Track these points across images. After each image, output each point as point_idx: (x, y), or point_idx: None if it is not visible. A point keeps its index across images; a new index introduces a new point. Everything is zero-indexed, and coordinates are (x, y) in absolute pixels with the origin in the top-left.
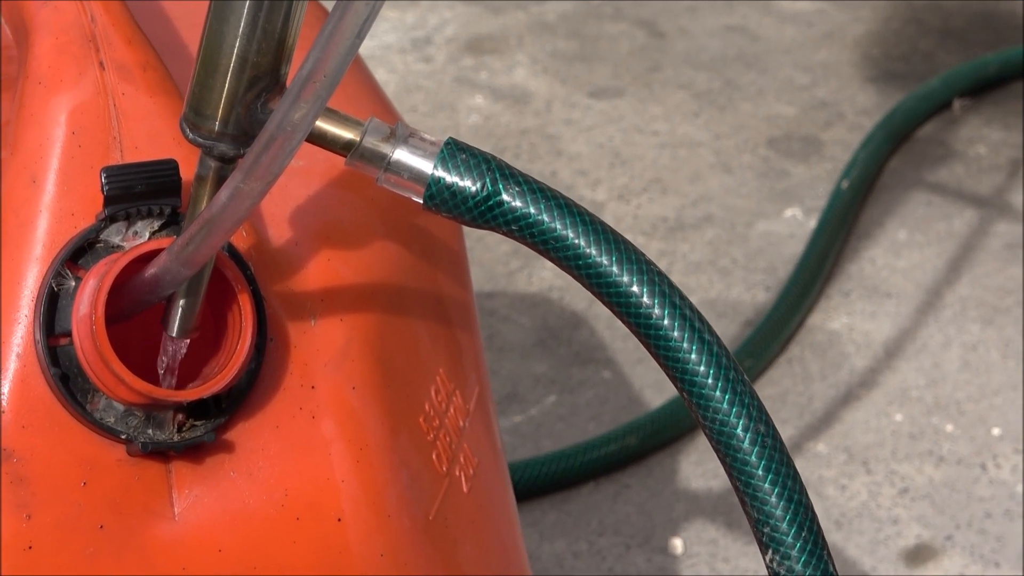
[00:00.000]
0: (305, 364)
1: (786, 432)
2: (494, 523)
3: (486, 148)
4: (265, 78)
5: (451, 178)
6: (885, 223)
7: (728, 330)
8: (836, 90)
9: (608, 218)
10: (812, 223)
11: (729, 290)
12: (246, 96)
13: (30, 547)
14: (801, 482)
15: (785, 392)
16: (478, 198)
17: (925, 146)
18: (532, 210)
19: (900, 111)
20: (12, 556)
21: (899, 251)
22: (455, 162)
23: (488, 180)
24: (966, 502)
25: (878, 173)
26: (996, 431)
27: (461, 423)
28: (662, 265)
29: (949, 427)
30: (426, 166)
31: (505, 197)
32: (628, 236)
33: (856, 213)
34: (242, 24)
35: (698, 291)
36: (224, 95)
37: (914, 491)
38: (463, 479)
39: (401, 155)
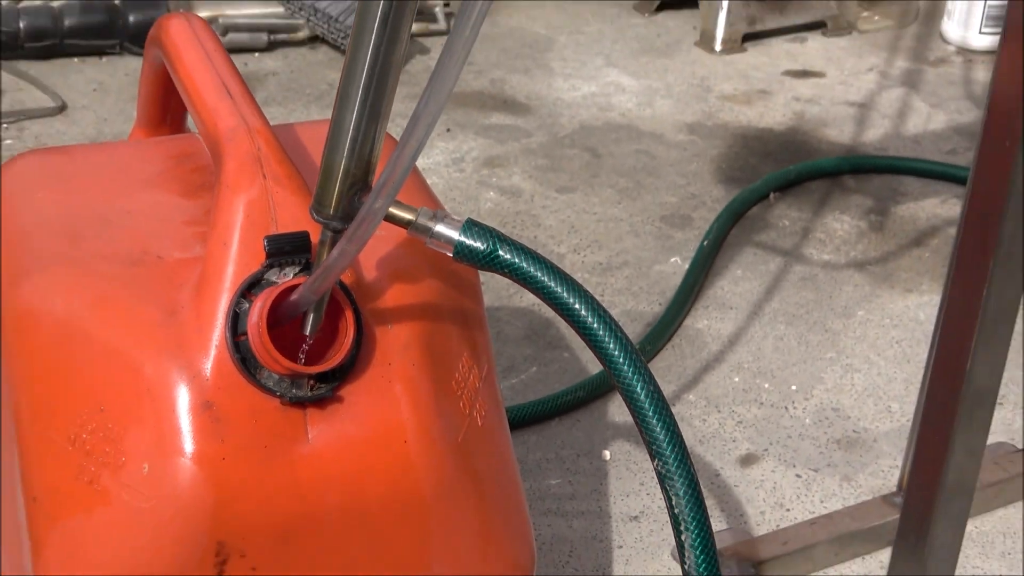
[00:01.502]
0: (384, 351)
1: (668, 389)
2: (497, 444)
3: (495, 223)
4: (359, 183)
5: (469, 242)
6: (729, 266)
7: (636, 329)
8: (700, 188)
9: (566, 263)
10: (686, 266)
11: (638, 306)
12: (348, 193)
13: (224, 459)
14: (674, 418)
15: (669, 366)
16: (484, 254)
17: (753, 221)
18: (516, 261)
19: (737, 200)
20: (212, 464)
21: (737, 282)
22: (471, 233)
23: (490, 243)
24: (776, 429)
25: (724, 236)
26: (794, 387)
27: (477, 385)
28: (597, 292)
29: (766, 385)
30: (454, 235)
31: (501, 253)
32: (576, 274)
33: (712, 260)
34: (346, 151)
35: (618, 306)
36: (335, 194)
37: (745, 423)
38: (478, 418)
39: (440, 229)
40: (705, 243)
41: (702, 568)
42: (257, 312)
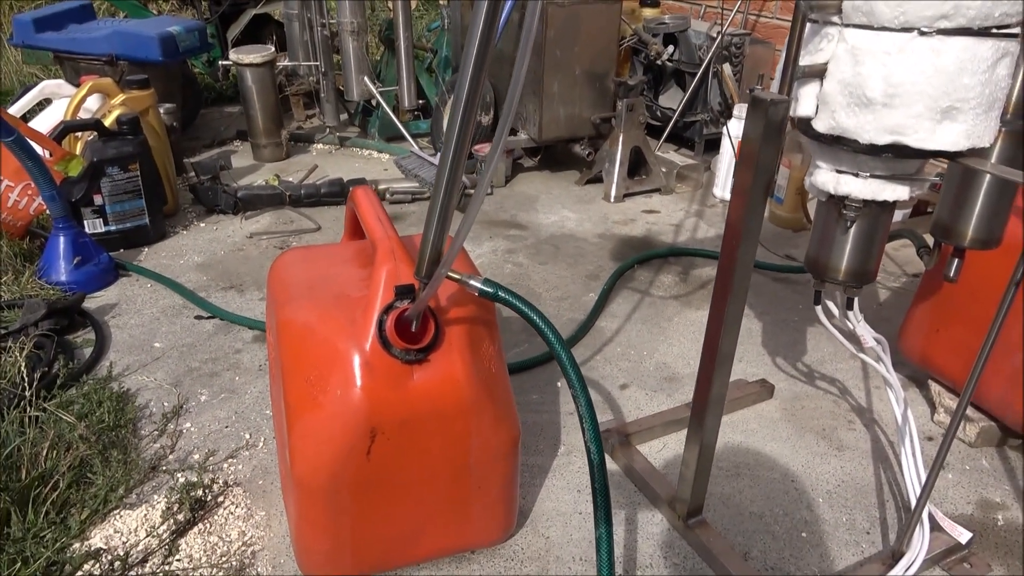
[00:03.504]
0: (448, 338)
1: (587, 354)
2: (502, 383)
3: (510, 279)
4: (434, 262)
5: (485, 288)
6: (615, 298)
7: (573, 327)
8: (603, 263)
9: (544, 297)
10: (595, 297)
11: (574, 316)
12: (429, 267)
13: (374, 388)
14: (580, 370)
15: (588, 344)
16: (492, 294)
17: (627, 278)
18: (505, 297)
19: (619, 269)
20: (368, 391)
21: (619, 305)
22: (487, 284)
23: (495, 289)
24: (636, 372)
25: (613, 285)
26: (644, 352)
27: (492, 354)
28: (557, 309)
29: (632, 351)
30: (478, 285)
31: (500, 293)
32: (547, 303)
33: (608, 296)
34: (429, 247)
35: (566, 316)
36: (424, 267)
37: (622, 369)
38: (492, 369)
39: (472, 282)
40: (605, 288)
41: (592, 438)
42: (390, 319)
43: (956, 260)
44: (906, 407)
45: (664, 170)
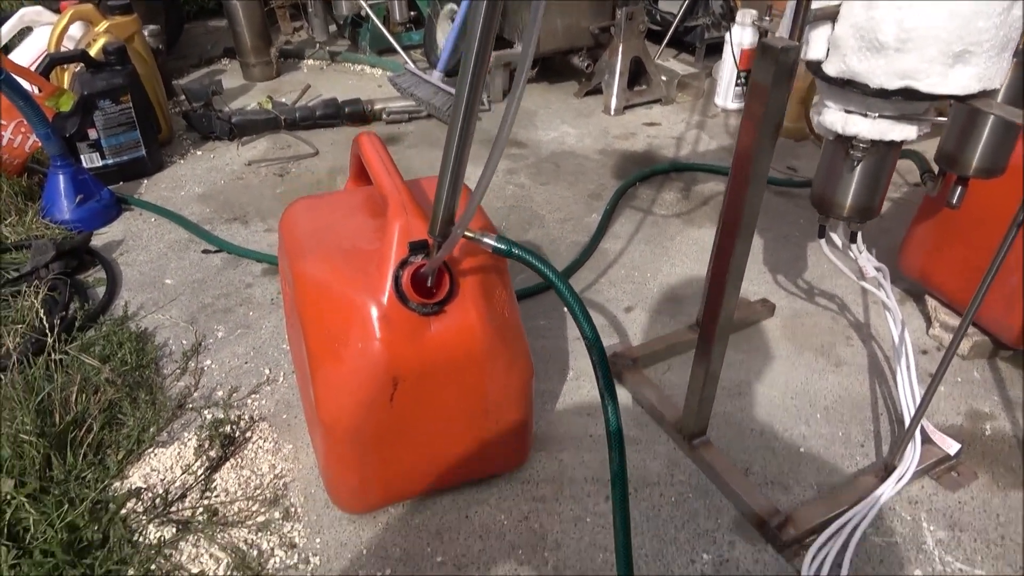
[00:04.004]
0: (463, 290)
1: (591, 277)
2: (514, 325)
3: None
4: (449, 219)
5: (497, 245)
6: (618, 218)
7: (577, 250)
8: (605, 181)
9: (546, 220)
10: (598, 218)
11: (578, 238)
12: (445, 225)
13: (393, 340)
14: (582, 302)
15: (591, 266)
16: (504, 251)
17: (629, 196)
18: (515, 251)
19: (621, 187)
20: (388, 342)
21: (622, 225)
22: (502, 242)
23: (510, 247)
24: (640, 294)
25: (616, 204)
26: (648, 274)
27: (505, 300)
28: (560, 231)
29: (636, 273)
30: (492, 243)
31: (515, 251)
32: (549, 225)
33: (611, 216)
34: (443, 206)
35: (569, 239)
36: (439, 225)
37: (627, 291)
38: (506, 314)
39: (486, 240)
40: (607, 208)
41: (599, 361)
42: (406, 274)
43: (959, 188)
44: (903, 329)
45: (664, 79)
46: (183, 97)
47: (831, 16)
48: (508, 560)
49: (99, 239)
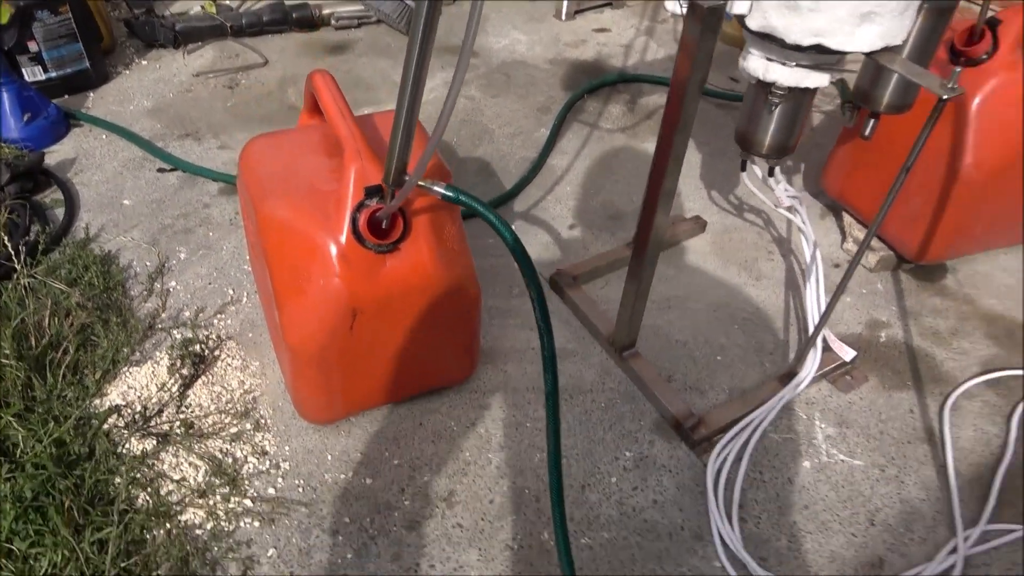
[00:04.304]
0: (416, 230)
1: (539, 194)
2: (463, 254)
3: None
4: (403, 169)
5: (447, 193)
6: (566, 133)
7: (525, 166)
8: (555, 93)
9: (496, 135)
10: (547, 132)
11: (527, 153)
12: (399, 174)
13: (351, 276)
14: (530, 259)
15: (538, 183)
16: (455, 197)
17: (577, 110)
18: (467, 200)
19: (569, 99)
20: (347, 278)
21: (569, 140)
22: (450, 189)
23: (457, 194)
24: (583, 211)
25: (564, 118)
26: (591, 190)
27: (454, 234)
28: (511, 145)
29: (579, 189)
30: (442, 191)
31: (462, 198)
32: (499, 140)
33: (558, 131)
34: (396, 158)
35: (519, 155)
36: (393, 174)
37: (571, 209)
38: (454, 247)
39: (437, 188)
40: (555, 123)
41: (536, 297)
42: (363, 217)
43: (872, 121)
44: (815, 250)
45: None
46: (124, 1)
47: None
48: (456, 461)
49: (51, 158)
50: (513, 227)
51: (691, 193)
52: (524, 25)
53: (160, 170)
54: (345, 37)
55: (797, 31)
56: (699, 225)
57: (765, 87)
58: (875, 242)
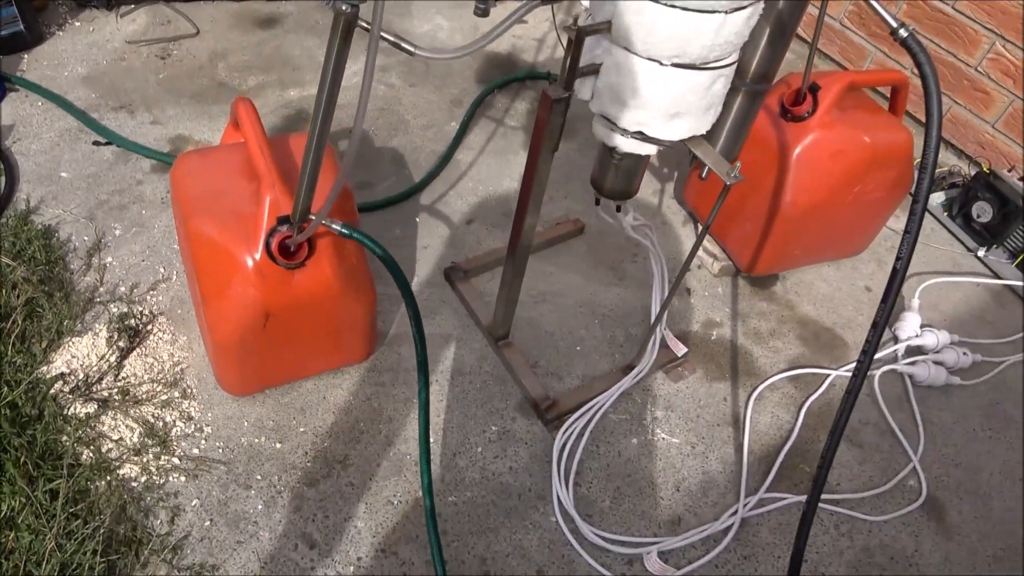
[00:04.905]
0: (319, 250)
1: (443, 188)
2: (363, 267)
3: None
4: (308, 211)
5: (342, 230)
6: (474, 128)
7: (433, 159)
8: (468, 86)
9: (411, 125)
10: (456, 126)
11: (436, 147)
12: (303, 216)
13: (265, 286)
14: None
15: (444, 177)
16: (348, 234)
17: (487, 105)
18: (360, 237)
19: (480, 94)
20: (261, 288)
21: (476, 136)
22: (345, 227)
23: (351, 231)
24: (484, 205)
25: (474, 113)
26: (491, 187)
27: (355, 250)
28: (423, 137)
29: (480, 186)
30: (340, 228)
31: (355, 235)
32: (413, 131)
33: (467, 126)
34: (301, 202)
35: (429, 148)
36: (299, 215)
37: (471, 204)
38: (353, 260)
39: (335, 227)
40: (465, 118)
41: (412, 315)
42: (275, 241)
43: (705, 167)
44: (663, 264)
45: None
46: None
47: (595, 71)
48: (352, 430)
49: None
50: (417, 220)
51: (578, 195)
52: (448, 10)
53: (96, 143)
54: (276, 9)
55: (625, 120)
56: (578, 228)
57: (609, 148)
58: (719, 252)
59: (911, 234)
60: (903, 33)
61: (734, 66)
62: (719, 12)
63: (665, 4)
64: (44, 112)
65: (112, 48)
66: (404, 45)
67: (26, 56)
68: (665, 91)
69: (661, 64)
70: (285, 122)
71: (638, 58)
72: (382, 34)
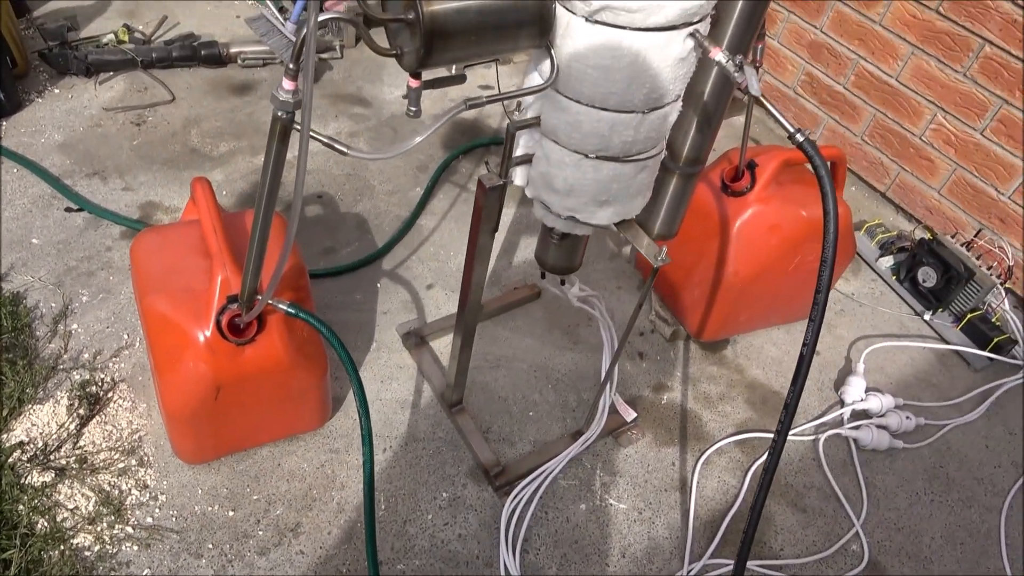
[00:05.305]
0: (269, 326)
1: (405, 253)
2: (313, 339)
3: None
4: (255, 291)
5: (289, 310)
6: (438, 193)
7: (397, 224)
8: (434, 152)
9: (376, 191)
10: (420, 192)
11: (400, 212)
12: (249, 298)
13: (216, 361)
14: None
15: (406, 243)
16: (295, 314)
17: (451, 170)
18: (307, 317)
19: (445, 160)
20: (211, 363)
21: (440, 201)
22: (292, 307)
23: (298, 311)
24: (443, 271)
25: (438, 179)
26: (452, 252)
27: (303, 329)
28: (388, 204)
29: (442, 251)
30: (287, 308)
31: (302, 315)
32: (379, 196)
33: (431, 192)
34: (248, 287)
35: (393, 213)
36: (246, 297)
37: (432, 269)
38: (303, 333)
39: (282, 306)
40: (429, 184)
41: (357, 391)
42: (225, 319)
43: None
44: (612, 332)
45: None
46: (39, 28)
47: (528, 160)
48: (305, 497)
49: None
50: (379, 284)
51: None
52: None
53: (68, 209)
54: (251, 76)
55: (556, 207)
56: (535, 293)
57: (548, 227)
58: (671, 317)
59: (815, 322)
60: (799, 137)
61: (659, 156)
62: (636, 112)
63: (586, 104)
64: (19, 179)
65: (89, 115)
66: (337, 146)
67: (4, 123)
68: (593, 181)
69: (587, 156)
70: (253, 188)
71: (566, 151)
72: (313, 134)
